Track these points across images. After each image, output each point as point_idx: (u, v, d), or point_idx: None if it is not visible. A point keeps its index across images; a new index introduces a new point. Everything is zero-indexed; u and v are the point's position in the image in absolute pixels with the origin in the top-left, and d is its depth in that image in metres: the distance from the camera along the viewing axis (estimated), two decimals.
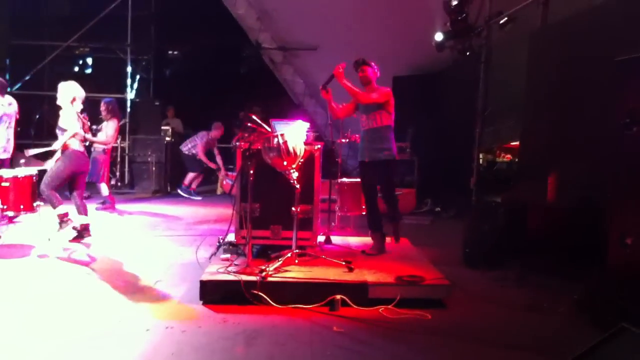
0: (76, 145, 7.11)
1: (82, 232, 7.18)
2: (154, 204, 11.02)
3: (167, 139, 13.30)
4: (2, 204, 6.87)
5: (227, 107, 13.32)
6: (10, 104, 8.54)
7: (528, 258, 6.17)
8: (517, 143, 8.74)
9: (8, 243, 6.90)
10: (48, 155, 7.33)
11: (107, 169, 10.03)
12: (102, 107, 9.80)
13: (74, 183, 7.26)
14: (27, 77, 13.75)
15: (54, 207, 6.99)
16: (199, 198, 12.05)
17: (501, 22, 8.74)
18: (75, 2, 14.10)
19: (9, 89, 13.75)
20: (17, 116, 8.76)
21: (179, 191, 12.26)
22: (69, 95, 7.12)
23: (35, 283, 5.42)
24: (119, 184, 13.57)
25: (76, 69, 15.72)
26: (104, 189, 9.79)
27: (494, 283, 5.88)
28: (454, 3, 9.67)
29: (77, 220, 7.17)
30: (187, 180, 12.22)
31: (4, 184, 6.88)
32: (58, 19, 14.05)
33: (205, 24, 14.44)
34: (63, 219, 7.03)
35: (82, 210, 7.23)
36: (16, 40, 13.87)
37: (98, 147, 9.76)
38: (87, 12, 13.67)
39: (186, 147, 12.16)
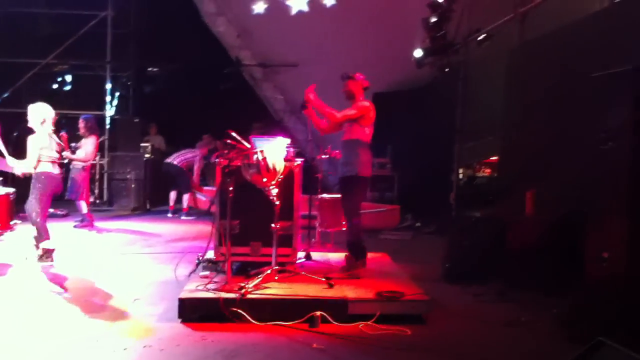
0: (48, 168, 6.85)
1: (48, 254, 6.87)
2: (132, 222, 10.94)
3: (147, 155, 13.23)
4: None
5: (208, 124, 13.25)
6: None
7: (508, 273, 6.19)
8: (496, 158, 8.82)
9: None
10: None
11: (86, 187, 9.95)
12: (81, 124, 9.74)
13: None
14: (5, 95, 13.63)
15: (41, 239, 6.76)
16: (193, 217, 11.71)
17: (479, 39, 8.83)
18: (55, 20, 14.03)
19: None
20: None
21: (182, 217, 11.69)
22: (39, 117, 6.90)
23: (9, 302, 5.33)
24: (97, 201, 13.47)
25: (55, 86, 15.61)
26: (83, 206, 9.70)
27: (473, 298, 5.88)
28: (433, 20, 9.76)
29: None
30: (185, 204, 11.82)
31: None
32: (37, 37, 13.97)
33: (185, 41, 14.43)
34: (46, 253, 6.76)
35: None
36: None
37: (77, 165, 9.68)
38: (66, 30, 13.62)
39: (184, 163, 11.62)
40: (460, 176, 9.61)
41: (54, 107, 7.36)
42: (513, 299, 5.75)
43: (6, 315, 4.92)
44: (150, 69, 16.37)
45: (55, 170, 6.96)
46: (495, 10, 8.63)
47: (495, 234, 6.50)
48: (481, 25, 8.95)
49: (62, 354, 4.07)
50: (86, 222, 9.72)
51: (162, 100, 15.71)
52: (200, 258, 6.01)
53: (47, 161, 6.86)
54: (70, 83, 15.75)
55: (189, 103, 14.77)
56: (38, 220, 6.75)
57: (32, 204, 6.76)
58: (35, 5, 13.63)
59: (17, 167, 6.88)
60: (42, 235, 6.77)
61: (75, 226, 9.72)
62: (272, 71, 14.79)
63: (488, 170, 9.31)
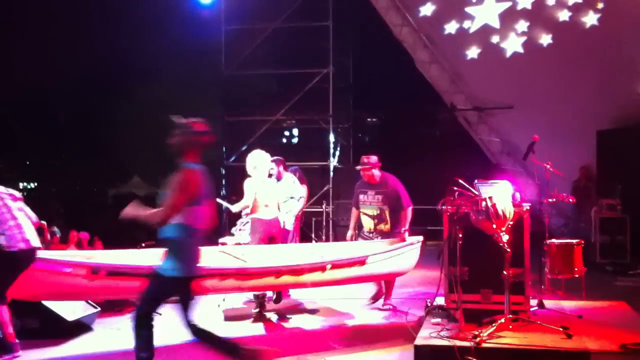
0: (259, 214, 7.21)
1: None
2: None
3: None
4: None
5: (425, 169, 13.50)
6: None
7: None
8: None
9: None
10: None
11: (297, 235, 10.32)
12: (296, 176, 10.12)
13: None
14: (244, 148, 14.96)
15: None
16: None
17: None
18: (281, 80, 15.28)
19: (225, 162, 15.22)
20: None
21: None
22: (251, 164, 7.28)
23: None
24: None
25: (284, 140, 16.92)
26: None
27: None
28: None
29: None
30: None
31: None
32: (266, 97, 15.29)
33: (400, 90, 14.91)
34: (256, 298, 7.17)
35: None
36: (230, 117, 15.32)
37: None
38: (292, 88, 14.80)
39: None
40: None
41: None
42: None
43: None
44: (368, 119, 17.05)
45: (268, 215, 7.26)
46: None
47: None
48: None
49: None
50: None
51: (380, 148, 16.25)
52: (430, 304, 6.12)
53: (260, 206, 7.21)
54: (297, 136, 16.94)
55: (405, 150, 15.14)
56: None
57: None
58: (265, 67, 14.97)
59: (233, 208, 7.76)
60: None
61: None
62: (486, 114, 14.71)
63: None
